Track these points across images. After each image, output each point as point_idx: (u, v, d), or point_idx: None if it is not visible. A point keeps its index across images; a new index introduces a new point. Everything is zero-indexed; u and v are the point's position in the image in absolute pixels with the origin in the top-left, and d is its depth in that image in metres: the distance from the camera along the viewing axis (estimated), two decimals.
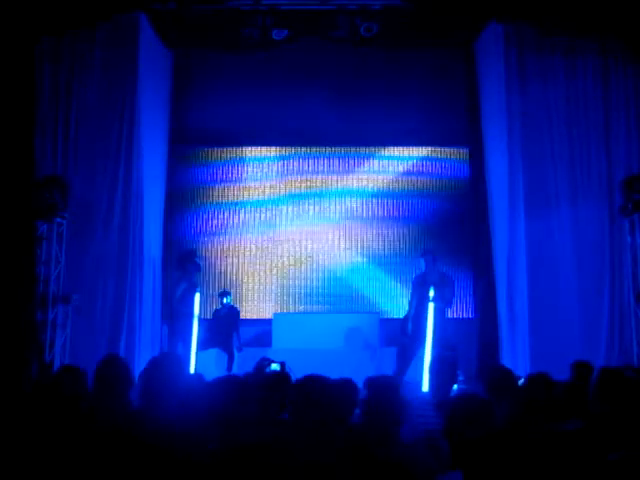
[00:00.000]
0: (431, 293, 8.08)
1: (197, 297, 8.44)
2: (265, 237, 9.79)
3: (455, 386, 4.35)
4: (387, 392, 3.56)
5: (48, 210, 7.41)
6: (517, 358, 8.05)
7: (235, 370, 8.44)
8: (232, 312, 8.89)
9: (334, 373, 4.84)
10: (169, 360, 3.48)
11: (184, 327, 8.37)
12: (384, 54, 9.54)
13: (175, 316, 8.47)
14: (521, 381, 4.42)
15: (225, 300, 8.86)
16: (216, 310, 8.99)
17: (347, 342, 8.14)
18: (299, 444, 2.57)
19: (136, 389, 3.75)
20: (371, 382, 3.78)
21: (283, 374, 4.28)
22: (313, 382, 3.17)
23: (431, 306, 8.00)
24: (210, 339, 8.73)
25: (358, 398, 3.63)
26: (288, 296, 9.66)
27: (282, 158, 9.98)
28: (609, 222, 8.15)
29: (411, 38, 9.08)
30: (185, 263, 8.60)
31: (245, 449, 2.25)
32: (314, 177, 9.95)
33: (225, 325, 8.79)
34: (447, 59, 9.75)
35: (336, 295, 9.52)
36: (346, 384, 3.74)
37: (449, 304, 8.33)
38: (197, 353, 8.42)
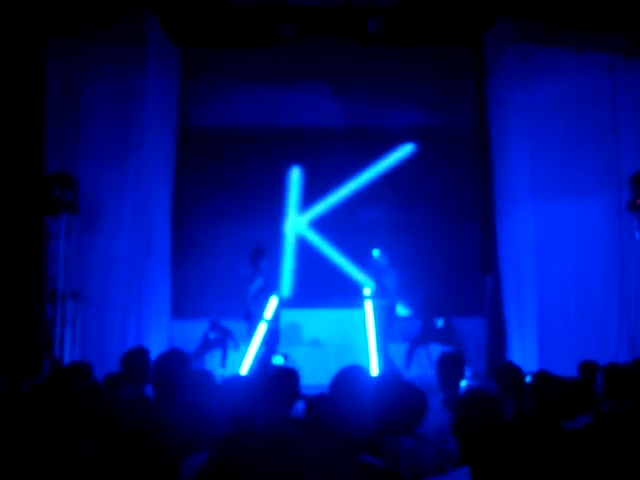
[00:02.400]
0: (366, 291, 8.02)
1: (273, 300, 7.87)
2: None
3: (464, 382, 4.34)
4: (403, 391, 3.56)
5: (57, 207, 7.44)
6: (525, 354, 8.04)
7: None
8: (224, 337, 8.86)
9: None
10: (174, 357, 3.50)
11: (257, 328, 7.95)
12: (391, 51, 9.52)
13: (250, 316, 7.98)
14: (528, 378, 4.42)
15: (213, 333, 8.83)
16: (205, 336, 8.88)
17: (355, 338, 8.12)
18: (312, 441, 2.58)
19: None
20: (386, 380, 3.80)
21: (291, 369, 4.29)
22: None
23: (368, 304, 7.97)
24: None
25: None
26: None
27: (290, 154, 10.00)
28: (617, 218, 8.13)
29: (419, 35, 9.09)
30: (257, 260, 7.98)
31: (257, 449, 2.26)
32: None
33: (219, 345, 8.89)
34: (455, 55, 9.72)
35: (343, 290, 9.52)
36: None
37: (390, 296, 8.08)
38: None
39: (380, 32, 8.77)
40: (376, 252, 8.21)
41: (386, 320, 7.98)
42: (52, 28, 7.61)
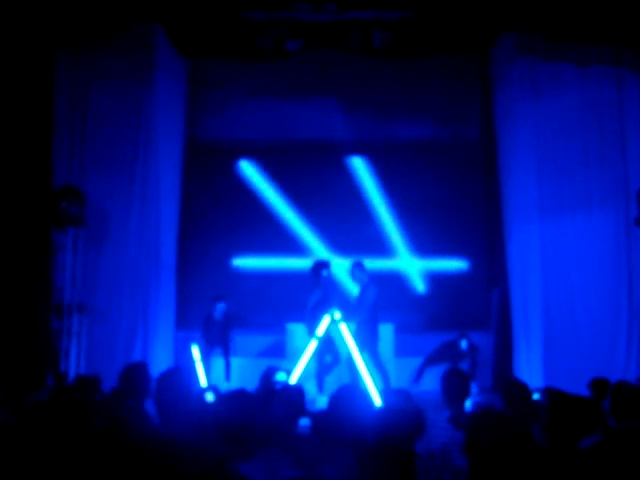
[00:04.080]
0: (336, 315, 7.66)
1: (326, 318, 7.63)
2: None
3: (468, 403, 4.31)
4: (403, 404, 3.55)
5: (64, 219, 7.45)
6: (532, 370, 7.99)
7: (240, 378, 8.46)
8: (228, 319, 8.68)
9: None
10: (177, 375, 3.49)
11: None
12: (398, 65, 9.57)
13: (309, 329, 7.92)
14: (536, 396, 4.39)
15: (219, 306, 8.57)
16: (208, 316, 8.62)
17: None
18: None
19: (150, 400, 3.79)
20: (387, 395, 3.79)
21: (297, 386, 4.28)
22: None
23: (342, 327, 7.64)
24: (206, 344, 8.49)
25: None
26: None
27: (295, 168, 10.00)
28: (625, 233, 8.08)
29: (425, 49, 9.12)
30: (318, 271, 7.90)
31: None
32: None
33: (220, 332, 8.60)
34: (461, 69, 9.74)
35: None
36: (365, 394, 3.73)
37: (361, 312, 7.76)
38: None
39: (386, 46, 8.79)
40: (356, 269, 7.95)
41: (370, 335, 7.74)
42: (60, 41, 7.65)
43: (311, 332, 7.83)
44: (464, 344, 8.64)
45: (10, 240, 6.71)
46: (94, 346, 7.72)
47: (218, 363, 8.60)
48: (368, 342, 7.68)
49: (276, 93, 9.79)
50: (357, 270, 7.95)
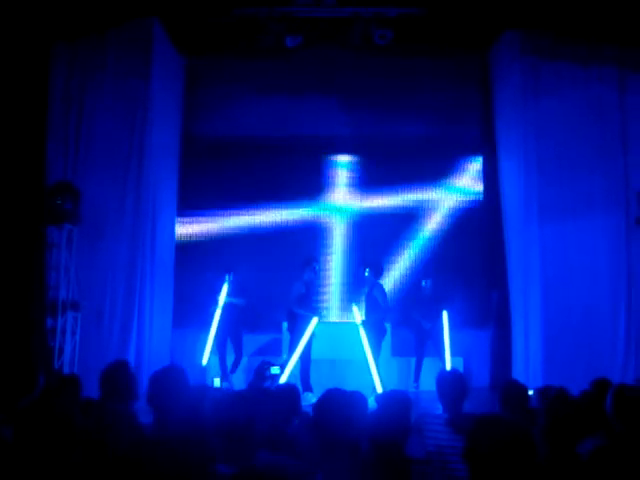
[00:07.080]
0: (357, 319, 7.83)
1: (314, 321, 7.68)
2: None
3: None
4: (398, 407, 3.48)
5: (59, 216, 7.36)
6: (530, 371, 7.95)
7: (239, 373, 8.37)
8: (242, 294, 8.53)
9: (345, 383, 4.78)
10: (171, 374, 3.39)
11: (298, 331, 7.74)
12: (398, 61, 9.50)
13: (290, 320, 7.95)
14: (530, 392, 4.32)
15: (231, 278, 8.42)
16: (219, 291, 8.40)
17: (358, 352, 8.03)
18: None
19: (141, 401, 3.68)
20: (382, 397, 3.71)
21: (292, 386, 4.22)
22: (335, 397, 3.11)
23: (362, 331, 7.79)
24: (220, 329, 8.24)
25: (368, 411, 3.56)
26: None
27: (295, 165, 9.92)
28: (625, 234, 8.02)
29: (426, 46, 9.07)
30: (304, 265, 7.95)
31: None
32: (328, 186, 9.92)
33: (235, 313, 8.41)
34: (462, 67, 9.69)
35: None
36: (356, 397, 3.66)
37: (380, 309, 7.92)
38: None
39: (387, 42, 8.74)
40: (367, 271, 8.07)
41: (377, 334, 7.83)
42: (56, 36, 7.57)
43: (294, 325, 7.79)
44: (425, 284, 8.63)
45: (3, 236, 6.62)
46: (88, 344, 7.63)
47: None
48: (374, 340, 7.79)
49: (275, 90, 9.74)
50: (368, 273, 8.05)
